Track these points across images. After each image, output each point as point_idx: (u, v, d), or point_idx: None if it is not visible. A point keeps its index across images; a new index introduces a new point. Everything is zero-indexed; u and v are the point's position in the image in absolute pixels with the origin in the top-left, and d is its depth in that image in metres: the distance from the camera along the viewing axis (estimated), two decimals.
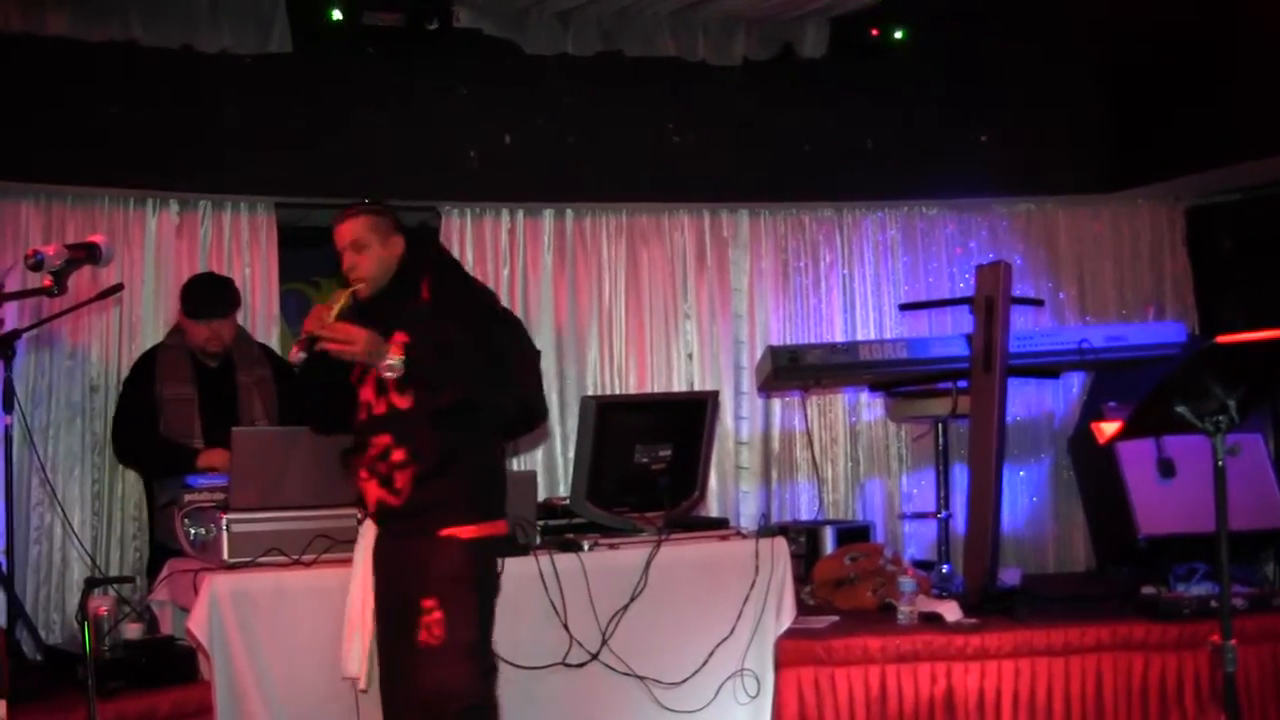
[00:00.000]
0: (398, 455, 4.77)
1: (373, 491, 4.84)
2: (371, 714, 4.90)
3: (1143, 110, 8.30)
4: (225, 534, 5.14)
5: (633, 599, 5.48)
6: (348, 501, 5.16)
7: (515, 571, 5.19)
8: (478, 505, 4.82)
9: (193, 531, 5.38)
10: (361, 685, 4.87)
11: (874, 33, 8.16)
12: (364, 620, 4.86)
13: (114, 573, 7.07)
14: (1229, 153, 7.82)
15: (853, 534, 7.39)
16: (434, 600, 4.65)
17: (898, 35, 8.17)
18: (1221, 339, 4.26)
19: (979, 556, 6.74)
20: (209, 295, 6.57)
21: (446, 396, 4.72)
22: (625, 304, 8.28)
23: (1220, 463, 4.37)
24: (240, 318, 7.13)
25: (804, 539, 7.27)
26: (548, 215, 8.20)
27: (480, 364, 4.78)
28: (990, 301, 6.89)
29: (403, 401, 4.77)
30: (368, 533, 4.92)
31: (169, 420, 6.39)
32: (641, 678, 5.50)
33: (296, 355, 4.76)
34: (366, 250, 4.91)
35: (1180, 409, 4.35)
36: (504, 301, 7.92)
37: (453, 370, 4.74)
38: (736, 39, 8.21)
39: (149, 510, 6.79)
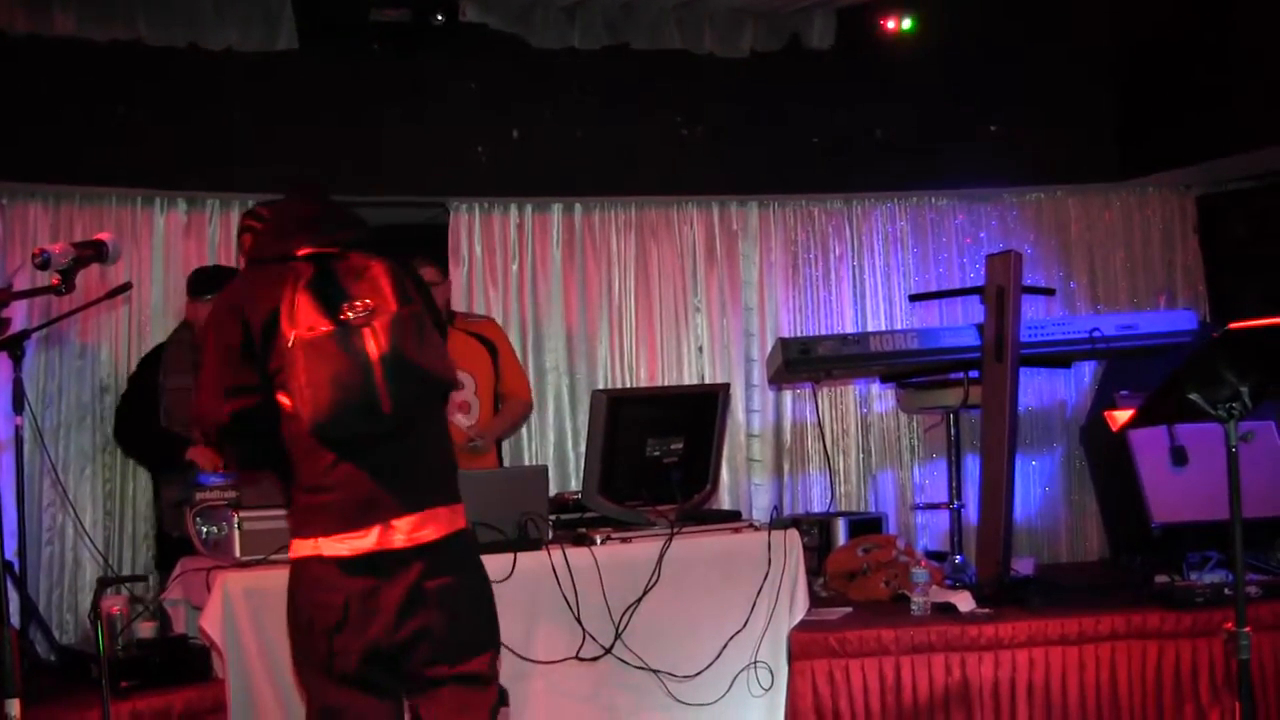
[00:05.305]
0: None
1: None
2: None
3: (1153, 97, 8.27)
4: (237, 532, 5.12)
5: (645, 592, 5.45)
6: None
7: (528, 566, 5.21)
8: None
9: (204, 530, 5.37)
10: None
11: (884, 24, 8.16)
12: None
13: (126, 572, 7.08)
14: (1240, 140, 7.80)
15: (865, 525, 7.37)
16: None
17: (906, 25, 8.17)
18: (1235, 325, 4.25)
19: (992, 546, 6.72)
20: (215, 272, 6.70)
21: None
22: (635, 298, 8.29)
23: (1233, 449, 4.36)
24: None
25: (816, 531, 7.25)
26: (556, 210, 8.19)
27: None
28: (1001, 291, 6.87)
29: None
30: None
31: (171, 409, 6.40)
32: (655, 671, 5.48)
33: None
34: None
35: (1194, 396, 4.34)
36: (513, 296, 8.04)
37: None
38: (743, 31, 8.20)
39: (156, 503, 6.82)
